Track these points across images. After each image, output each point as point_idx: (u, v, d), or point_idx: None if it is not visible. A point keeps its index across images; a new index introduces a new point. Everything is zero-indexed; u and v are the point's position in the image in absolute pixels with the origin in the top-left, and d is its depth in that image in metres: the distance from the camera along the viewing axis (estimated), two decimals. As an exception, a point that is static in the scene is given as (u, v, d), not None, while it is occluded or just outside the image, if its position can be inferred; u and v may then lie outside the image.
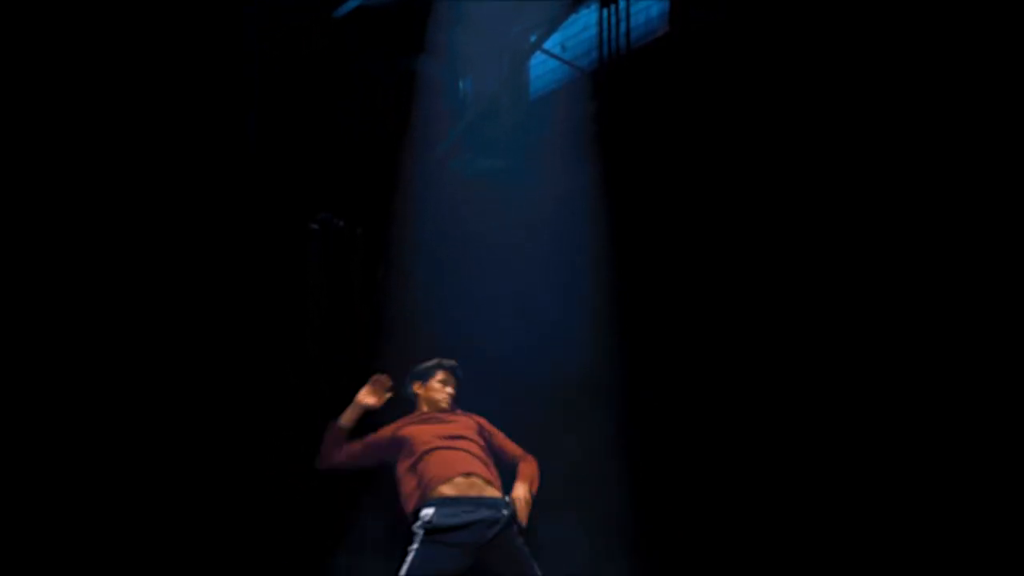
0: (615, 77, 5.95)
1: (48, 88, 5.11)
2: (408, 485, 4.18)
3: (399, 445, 4.27)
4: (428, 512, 4.03)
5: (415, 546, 4.00)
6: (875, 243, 4.89)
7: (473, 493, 4.08)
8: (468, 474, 4.12)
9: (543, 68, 6.52)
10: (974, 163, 4.62)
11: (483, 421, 4.45)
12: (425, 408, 4.49)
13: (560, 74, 6.42)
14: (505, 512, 4.06)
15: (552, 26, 6.16)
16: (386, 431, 4.37)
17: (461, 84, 6.50)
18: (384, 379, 4.41)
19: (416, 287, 5.95)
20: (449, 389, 4.52)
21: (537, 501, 4.19)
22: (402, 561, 4.01)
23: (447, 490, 4.07)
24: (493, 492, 4.13)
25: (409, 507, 4.14)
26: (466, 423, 4.38)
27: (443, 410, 4.45)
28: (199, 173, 5.47)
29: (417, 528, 4.02)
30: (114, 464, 5.04)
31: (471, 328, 5.66)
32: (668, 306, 5.62)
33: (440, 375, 4.54)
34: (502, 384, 5.40)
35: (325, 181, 5.89)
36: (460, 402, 4.54)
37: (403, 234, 6.04)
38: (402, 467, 4.22)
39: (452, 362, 4.58)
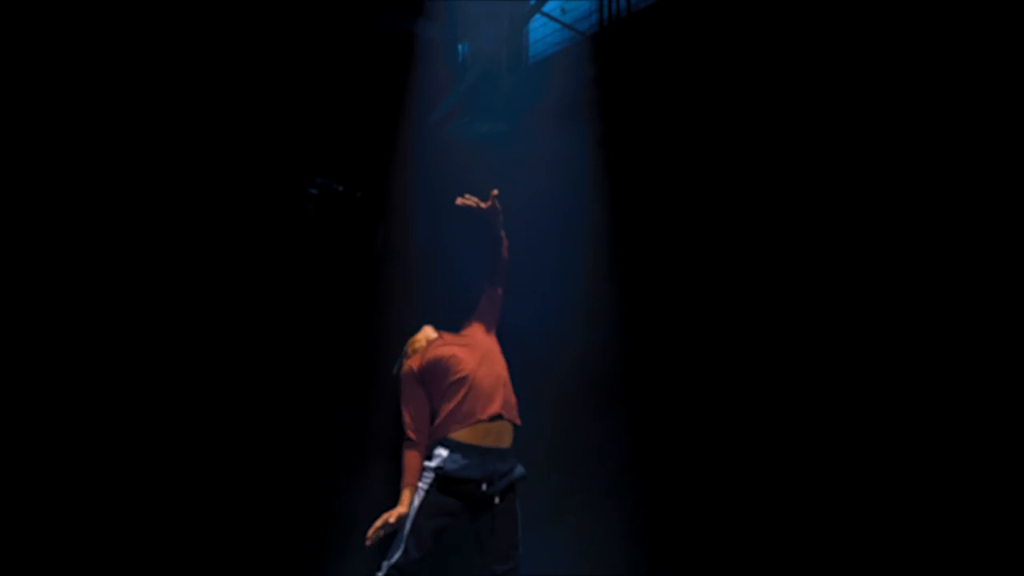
0: (615, 40, 5.93)
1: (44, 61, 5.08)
2: (439, 410, 4.09)
3: (434, 372, 4.11)
4: (443, 455, 4.02)
5: (424, 487, 4.00)
6: (879, 202, 4.88)
7: (489, 443, 4.03)
8: (496, 417, 4.05)
9: (542, 31, 6.49)
10: (979, 143, 4.62)
11: (479, 322, 4.35)
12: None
13: (559, 37, 6.40)
14: (516, 472, 4.07)
15: (551, -11, 6.16)
16: (413, 384, 4.17)
17: (460, 47, 6.48)
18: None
19: (415, 251, 5.96)
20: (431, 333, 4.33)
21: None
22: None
23: (469, 437, 4.03)
24: (510, 438, 4.09)
25: (436, 432, 4.09)
26: (482, 339, 4.26)
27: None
28: (197, 138, 5.44)
29: (429, 469, 4.02)
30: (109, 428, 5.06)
31: (470, 291, 5.64)
32: (665, 270, 5.64)
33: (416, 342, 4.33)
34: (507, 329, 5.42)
35: (324, 145, 5.86)
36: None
37: (402, 198, 6.03)
38: (437, 390, 4.12)
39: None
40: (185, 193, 5.38)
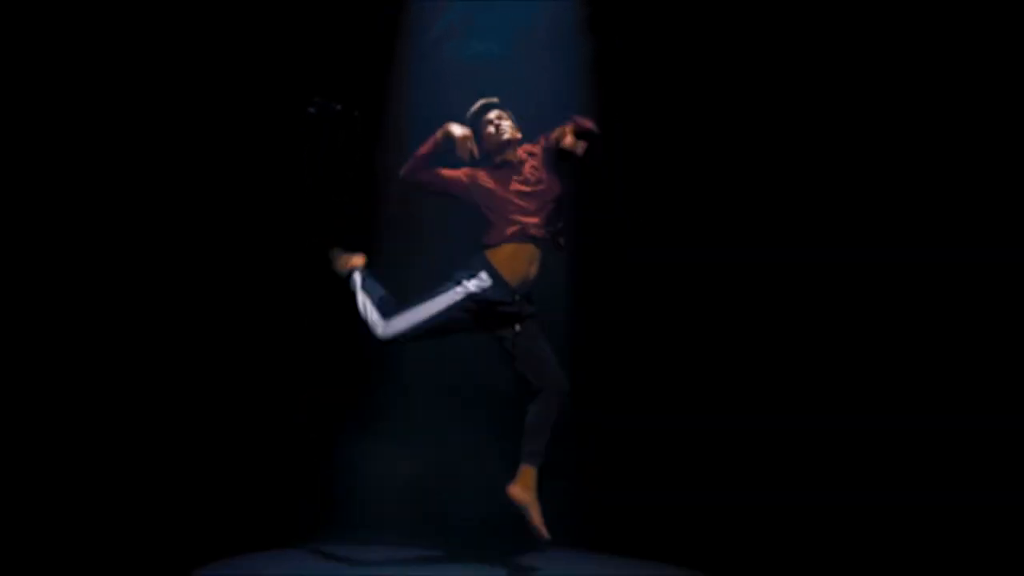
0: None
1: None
2: (489, 227, 4.41)
3: (479, 194, 4.43)
4: (486, 282, 4.27)
5: (449, 294, 4.24)
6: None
7: (530, 273, 4.31)
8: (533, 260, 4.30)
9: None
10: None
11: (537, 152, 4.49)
12: (496, 158, 4.52)
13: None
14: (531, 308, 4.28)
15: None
16: (461, 176, 4.50)
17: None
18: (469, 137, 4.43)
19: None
20: (507, 123, 4.52)
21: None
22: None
23: (509, 274, 4.27)
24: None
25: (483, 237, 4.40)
26: (539, 175, 4.43)
27: (513, 154, 4.46)
28: (191, 60, 5.43)
29: (464, 282, 4.26)
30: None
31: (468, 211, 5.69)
32: (663, 192, 5.68)
33: (490, 114, 4.54)
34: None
35: (320, 64, 5.85)
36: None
37: (398, 117, 6.03)
38: (487, 210, 4.44)
39: (494, 99, 4.61)
40: (179, 115, 5.38)
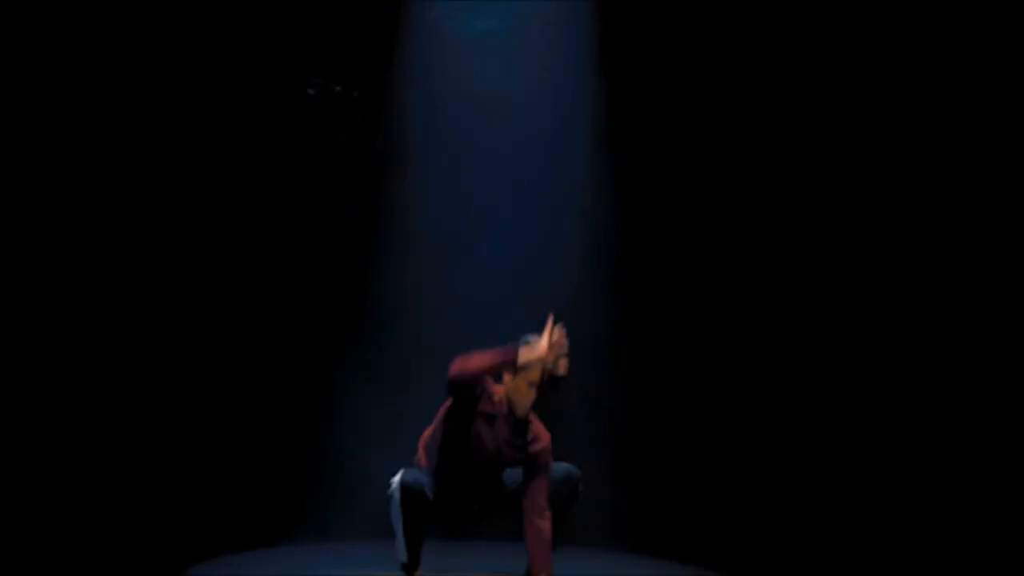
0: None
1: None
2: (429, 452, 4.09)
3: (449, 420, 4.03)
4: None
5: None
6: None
7: None
8: None
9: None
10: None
11: (545, 454, 4.04)
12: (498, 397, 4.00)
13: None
14: None
15: None
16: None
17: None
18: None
19: (414, 151, 5.90)
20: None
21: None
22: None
23: None
24: None
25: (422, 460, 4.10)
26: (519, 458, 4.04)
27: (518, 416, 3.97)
28: (188, 39, 5.32)
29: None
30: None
31: (469, 186, 5.68)
32: (666, 171, 5.62)
33: (557, 335, 3.84)
34: (491, 252, 5.52)
35: (320, 43, 5.75)
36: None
37: (400, 97, 5.95)
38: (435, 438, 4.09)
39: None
40: (177, 95, 5.28)
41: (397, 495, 3.86)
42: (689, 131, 5.54)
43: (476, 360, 3.78)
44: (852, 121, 5.03)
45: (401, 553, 3.96)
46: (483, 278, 5.59)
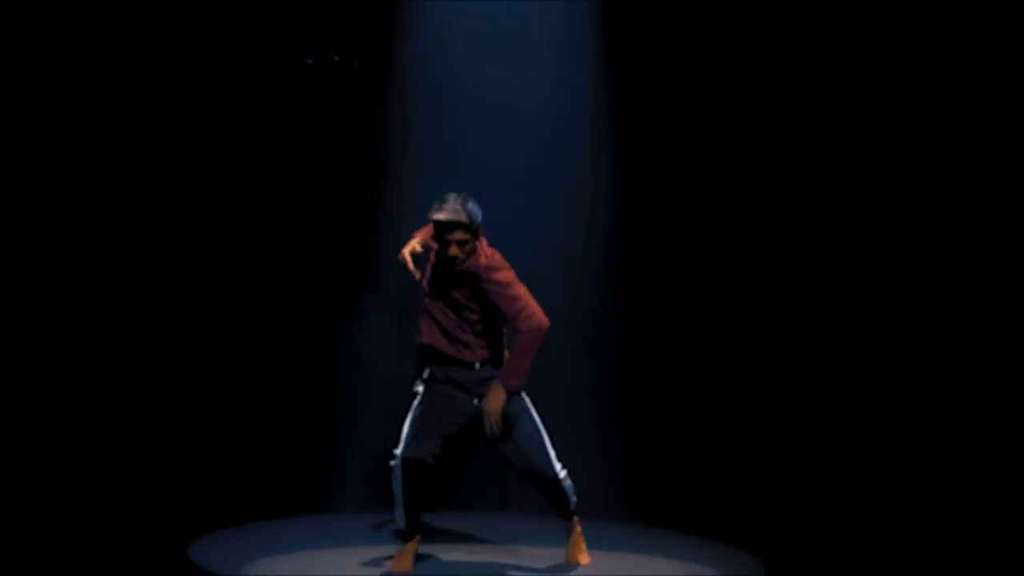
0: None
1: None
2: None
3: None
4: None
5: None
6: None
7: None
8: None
9: None
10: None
11: (486, 275, 4.23)
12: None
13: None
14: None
15: None
16: None
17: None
18: None
19: (415, 123, 5.84)
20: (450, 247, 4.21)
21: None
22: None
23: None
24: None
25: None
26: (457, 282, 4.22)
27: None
28: (189, 32, 5.28)
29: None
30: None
31: (469, 186, 5.57)
32: (666, 171, 5.60)
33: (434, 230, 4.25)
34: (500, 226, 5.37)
35: (318, 14, 5.66)
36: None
37: (400, 68, 5.87)
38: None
39: (442, 215, 4.23)
40: (177, 95, 5.27)
41: (399, 469, 4.07)
42: (690, 131, 5.51)
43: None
44: (853, 121, 5.04)
45: (401, 522, 4.20)
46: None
